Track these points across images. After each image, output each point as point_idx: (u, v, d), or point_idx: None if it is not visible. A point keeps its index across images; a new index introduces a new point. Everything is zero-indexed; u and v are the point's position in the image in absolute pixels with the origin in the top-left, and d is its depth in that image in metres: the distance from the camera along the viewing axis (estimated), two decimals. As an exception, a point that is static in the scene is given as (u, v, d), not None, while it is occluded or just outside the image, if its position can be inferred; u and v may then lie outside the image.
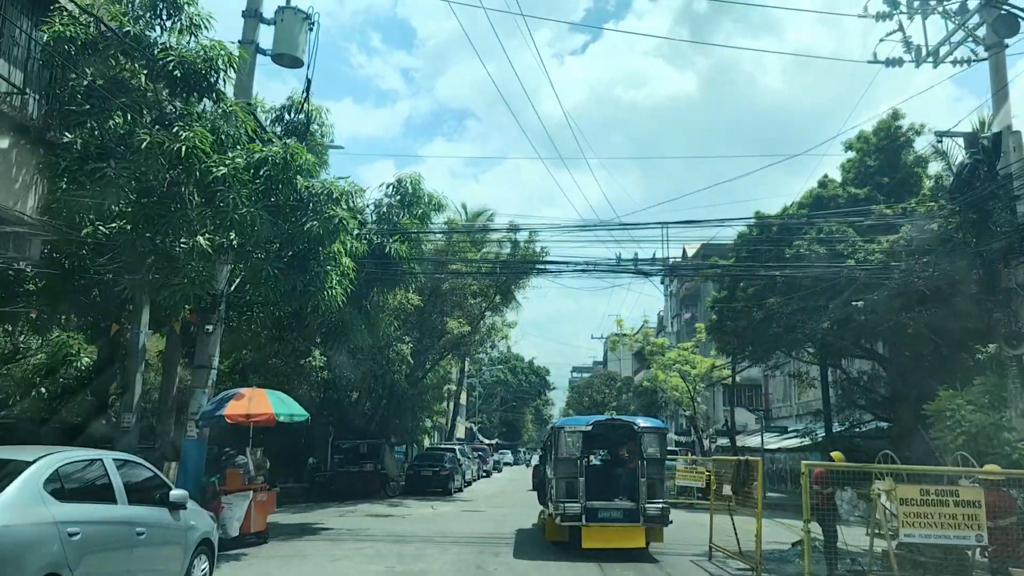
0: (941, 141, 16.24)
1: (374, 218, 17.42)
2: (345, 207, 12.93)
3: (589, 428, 13.59)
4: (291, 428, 29.39)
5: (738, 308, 25.99)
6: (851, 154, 27.55)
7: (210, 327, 14.15)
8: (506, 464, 68.04)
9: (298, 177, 12.36)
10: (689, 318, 56.40)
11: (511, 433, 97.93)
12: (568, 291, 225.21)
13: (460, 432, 73.49)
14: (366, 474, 27.16)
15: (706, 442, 48.79)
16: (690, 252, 63.79)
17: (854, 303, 20.63)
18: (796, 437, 35.03)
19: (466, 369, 70.79)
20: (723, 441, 45.03)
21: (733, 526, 13.04)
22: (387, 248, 16.46)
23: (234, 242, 12.14)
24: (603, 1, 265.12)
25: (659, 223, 20.32)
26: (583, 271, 18.53)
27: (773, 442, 37.03)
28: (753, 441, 39.62)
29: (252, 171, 11.89)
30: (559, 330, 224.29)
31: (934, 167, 23.56)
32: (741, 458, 13.50)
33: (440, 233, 22.93)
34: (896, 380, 26.16)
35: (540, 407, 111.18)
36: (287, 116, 16.67)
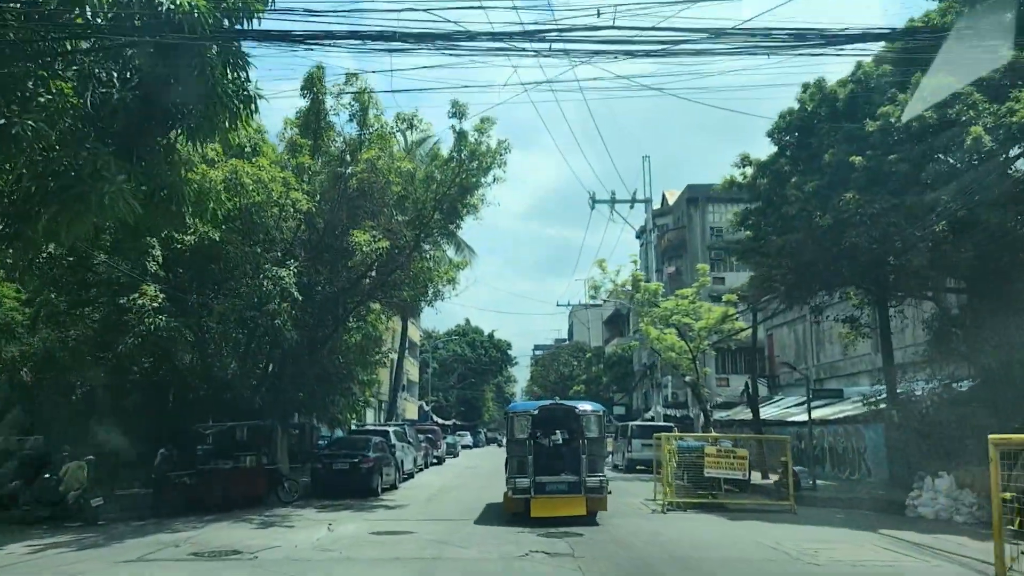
0: None
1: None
2: None
3: (536, 413, 15.61)
4: (138, 408, 20.44)
5: (791, 214, 17.59)
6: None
7: None
8: (464, 447, 59.14)
9: None
10: (673, 272, 48.20)
11: (470, 413, 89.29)
12: (527, 270, 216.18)
13: (412, 413, 64.72)
14: (244, 472, 18.35)
15: (693, 416, 40.82)
16: (671, 199, 55.81)
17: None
18: (827, 404, 26.85)
19: (412, 339, 61.82)
20: (721, 414, 36.99)
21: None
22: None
23: None
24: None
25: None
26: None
27: (796, 412, 29.03)
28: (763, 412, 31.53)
29: None
30: (519, 309, 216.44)
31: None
32: None
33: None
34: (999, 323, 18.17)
35: (502, 384, 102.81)
36: None
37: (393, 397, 42.45)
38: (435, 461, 37.73)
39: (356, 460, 20.57)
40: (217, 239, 15.59)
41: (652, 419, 42.51)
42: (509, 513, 14.95)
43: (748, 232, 19.87)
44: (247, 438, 18.89)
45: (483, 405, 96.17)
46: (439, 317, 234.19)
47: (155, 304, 15.35)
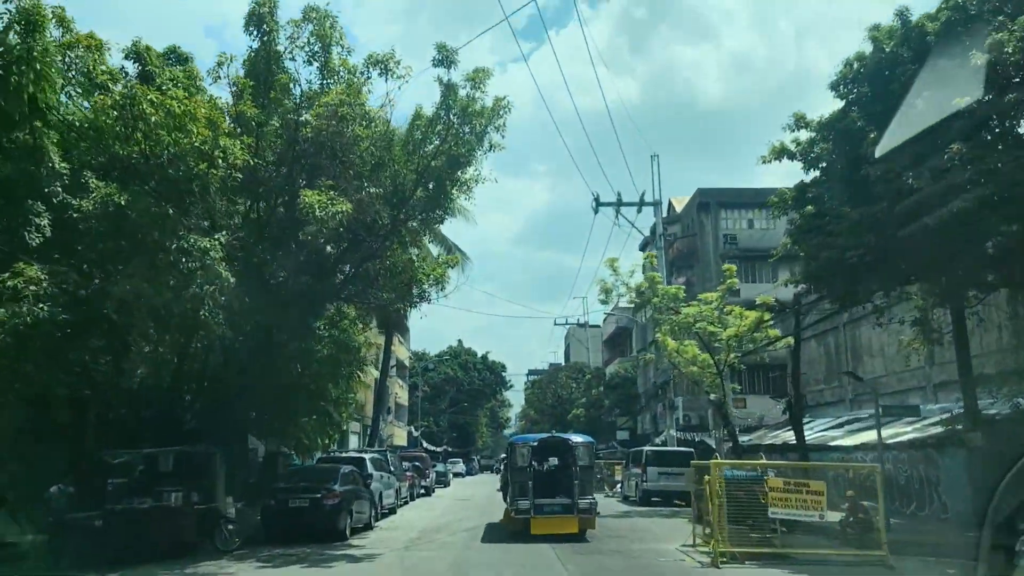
0: None
1: None
2: None
3: (536, 444, 17.69)
4: (47, 432, 16.21)
5: (874, 176, 13.73)
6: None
7: None
8: (457, 476, 54.71)
9: None
10: (683, 283, 44.30)
11: (463, 439, 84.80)
12: (521, 295, 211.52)
13: (401, 439, 60.43)
14: (167, 512, 14.14)
15: (712, 441, 36.65)
16: (679, 206, 52.09)
17: None
18: (873, 426, 22.74)
19: (401, 359, 57.53)
20: (743, 439, 32.84)
21: None
22: None
23: None
24: (545, 10, 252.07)
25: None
26: None
27: (837, 436, 25.01)
28: (786, 436, 27.40)
29: None
30: (511, 334, 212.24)
31: None
32: None
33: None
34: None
35: (496, 409, 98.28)
36: None
37: (376, 420, 38.19)
38: (423, 492, 33.53)
39: (318, 496, 16.42)
40: (123, 203, 11.64)
41: (663, 444, 38.42)
42: (509, 532, 16.89)
43: (809, 207, 15.98)
44: (174, 469, 14.75)
45: (476, 431, 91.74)
46: (431, 338, 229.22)
47: (34, 288, 11.31)
